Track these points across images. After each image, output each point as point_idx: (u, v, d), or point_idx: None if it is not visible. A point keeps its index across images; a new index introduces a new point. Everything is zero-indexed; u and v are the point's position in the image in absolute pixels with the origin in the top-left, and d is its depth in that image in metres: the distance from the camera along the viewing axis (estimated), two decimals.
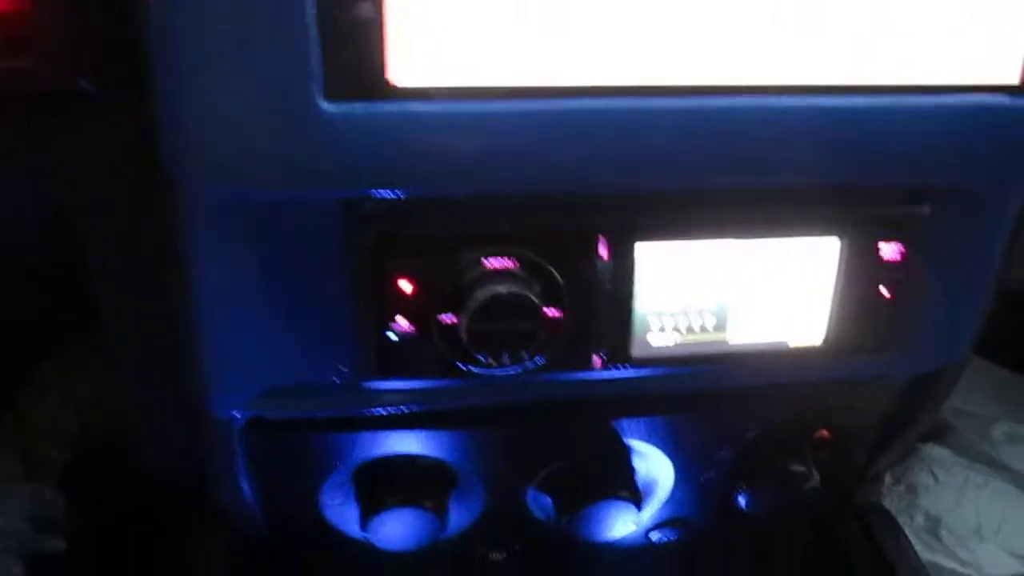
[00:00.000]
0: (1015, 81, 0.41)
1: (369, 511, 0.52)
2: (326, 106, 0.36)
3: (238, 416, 0.49)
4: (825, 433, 0.59)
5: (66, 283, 0.53)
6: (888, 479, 0.80)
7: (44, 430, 0.77)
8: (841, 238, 0.46)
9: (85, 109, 0.44)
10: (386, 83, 0.36)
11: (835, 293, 0.47)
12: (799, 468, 0.57)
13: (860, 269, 0.47)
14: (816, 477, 0.57)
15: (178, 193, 0.42)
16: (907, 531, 0.74)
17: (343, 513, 0.56)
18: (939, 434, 0.84)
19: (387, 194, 0.41)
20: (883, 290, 0.48)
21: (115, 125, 0.44)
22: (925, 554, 0.75)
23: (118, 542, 0.70)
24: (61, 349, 0.81)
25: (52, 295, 0.66)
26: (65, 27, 0.40)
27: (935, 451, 0.81)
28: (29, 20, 0.39)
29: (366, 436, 0.52)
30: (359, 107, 0.36)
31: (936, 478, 0.79)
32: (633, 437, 0.55)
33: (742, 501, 0.58)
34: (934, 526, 0.77)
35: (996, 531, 0.76)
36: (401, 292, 0.43)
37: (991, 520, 0.77)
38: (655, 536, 0.63)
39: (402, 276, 0.43)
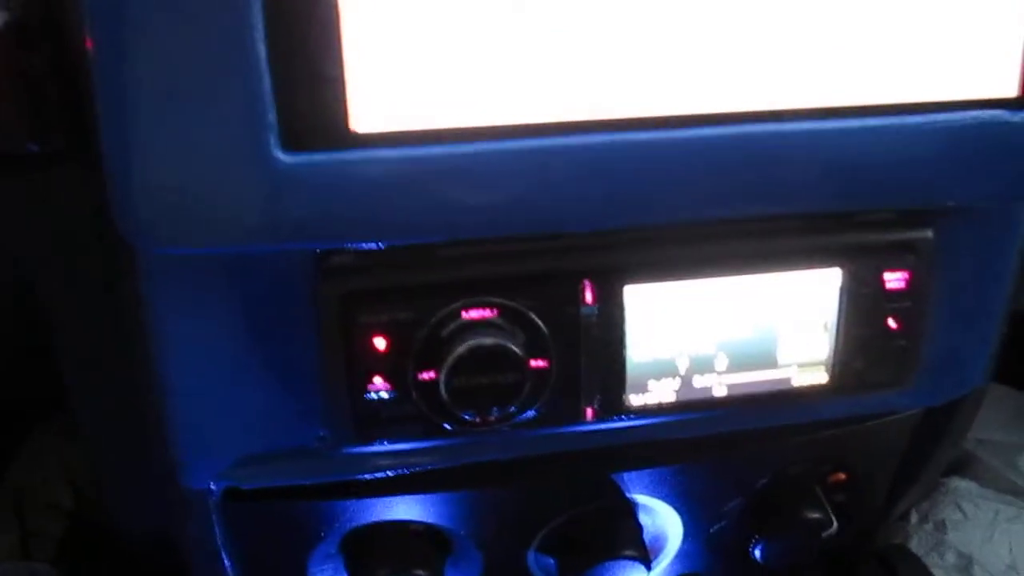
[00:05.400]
0: (1014, 94, 0.39)
1: None
2: (284, 157, 0.34)
3: (214, 487, 0.46)
4: (840, 475, 0.55)
5: (44, 354, 0.51)
6: (914, 517, 0.76)
7: (39, 503, 0.74)
8: (843, 268, 0.44)
9: (37, 174, 0.42)
10: (348, 130, 0.34)
11: (839, 327, 0.45)
12: (815, 514, 0.54)
13: (864, 300, 0.44)
14: (834, 522, 0.54)
15: (137, 255, 0.40)
16: (937, 571, 0.70)
17: None
18: (963, 466, 0.81)
19: (354, 246, 0.39)
20: (890, 321, 0.45)
21: (70, 190, 0.42)
22: None
23: None
24: (52, 420, 0.79)
25: (34, 366, 0.64)
26: (9, 90, 0.38)
27: (961, 484, 0.78)
28: None
29: (351, 503, 0.49)
30: (319, 157, 0.34)
31: (964, 513, 0.76)
32: (637, 490, 0.52)
33: (758, 552, 0.55)
34: (966, 564, 0.74)
35: None
36: (375, 349, 0.40)
37: None
38: None
39: (375, 332, 0.40)
